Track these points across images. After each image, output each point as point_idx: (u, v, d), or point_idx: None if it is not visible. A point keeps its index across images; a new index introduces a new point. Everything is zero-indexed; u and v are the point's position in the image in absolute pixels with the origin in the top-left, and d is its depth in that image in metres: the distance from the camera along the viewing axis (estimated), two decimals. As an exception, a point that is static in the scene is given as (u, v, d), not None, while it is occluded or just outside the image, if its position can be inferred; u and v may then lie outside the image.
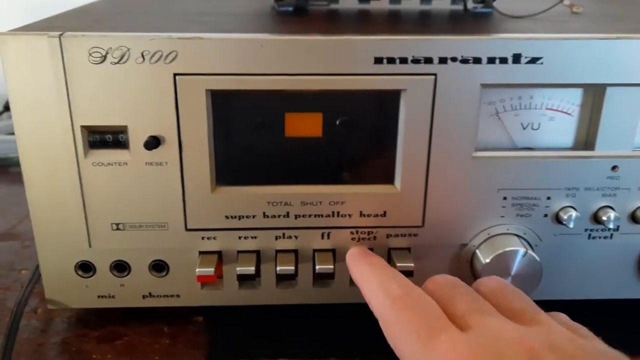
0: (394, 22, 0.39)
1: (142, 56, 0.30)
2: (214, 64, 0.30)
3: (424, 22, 0.39)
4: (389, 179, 0.34)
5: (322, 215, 0.34)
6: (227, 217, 0.34)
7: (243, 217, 0.34)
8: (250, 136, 0.33)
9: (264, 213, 0.34)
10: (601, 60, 0.31)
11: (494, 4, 0.42)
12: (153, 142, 0.31)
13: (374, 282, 0.29)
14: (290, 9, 0.43)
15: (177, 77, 0.30)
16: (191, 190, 0.33)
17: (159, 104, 0.31)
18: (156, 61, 0.30)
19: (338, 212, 0.34)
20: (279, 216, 0.34)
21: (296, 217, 0.34)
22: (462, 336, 0.24)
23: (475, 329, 0.24)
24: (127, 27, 0.32)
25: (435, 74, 0.31)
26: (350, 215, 0.34)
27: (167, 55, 0.30)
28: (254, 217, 0.34)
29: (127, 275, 0.35)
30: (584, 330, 0.26)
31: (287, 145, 0.33)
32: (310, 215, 0.34)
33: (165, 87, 0.30)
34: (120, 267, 0.35)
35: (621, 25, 0.38)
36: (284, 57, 0.30)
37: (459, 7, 0.44)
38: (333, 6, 0.44)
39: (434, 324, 0.25)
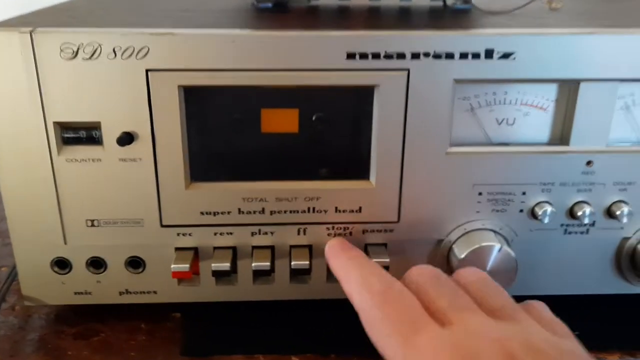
0: (372, 18, 0.39)
1: (114, 52, 0.30)
2: (186, 60, 0.30)
3: (402, 18, 0.39)
4: (364, 174, 0.34)
5: (297, 211, 0.34)
6: (202, 213, 0.34)
7: (218, 213, 0.34)
8: (225, 132, 0.33)
9: (239, 209, 0.34)
10: (574, 56, 0.31)
11: (473, 0, 0.42)
12: (126, 139, 0.31)
13: (354, 277, 0.29)
14: (270, 5, 0.43)
15: (149, 72, 0.30)
16: (166, 187, 0.33)
17: (132, 100, 0.31)
18: (128, 57, 0.30)
19: (314, 208, 0.34)
20: (254, 212, 0.34)
21: (272, 213, 0.34)
22: (442, 333, 0.24)
23: (456, 325, 0.25)
24: (100, 23, 0.32)
25: (408, 69, 0.31)
26: (325, 211, 0.34)
27: (139, 51, 0.30)
28: (229, 213, 0.34)
29: (103, 271, 0.35)
30: (560, 326, 0.26)
31: (263, 141, 0.33)
32: (285, 212, 0.34)
33: (138, 83, 0.30)
34: (96, 264, 0.35)
35: (598, 21, 0.38)
36: (256, 52, 0.30)
37: (439, 3, 0.44)
38: (314, 2, 0.44)
39: (415, 320, 0.25)
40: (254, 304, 0.37)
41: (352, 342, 0.35)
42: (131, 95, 0.31)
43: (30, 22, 0.32)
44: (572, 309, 0.30)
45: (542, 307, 0.28)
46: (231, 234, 0.34)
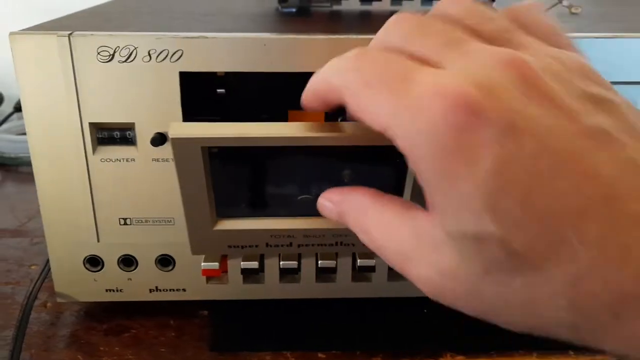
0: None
1: (149, 55, 0.31)
2: (218, 62, 0.31)
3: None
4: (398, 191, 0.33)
5: (325, 245, 0.32)
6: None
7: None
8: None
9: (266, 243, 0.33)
10: (599, 60, 0.32)
11: (493, 4, 0.43)
12: (159, 139, 0.32)
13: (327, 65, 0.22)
14: (294, 10, 0.43)
15: (182, 75, 0.31)
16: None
17: (165, 101, 0.31)
18: (162, 60, 0.31)
19: (341, 242, 0.32)
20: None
21: (299, 246, 0.32)
22: (441, 73, 0.19)
23: (458, 61, 0.19)
24: (134, 27, 0.33)
25: None
26: (354, 245, 0.32)
27: (173, 54, 0.31)
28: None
29: (134, 269, 0.36)
30: (562, 37, 0.22)
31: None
32: (313, 245, 0.32)
33: (171, 84, 0.31)
34: (128, 262, 0.36)
35: (619, 25, 0.39)
36: (287, 55, 0.31)
37: (460, 7, 0.45)
38: (336, 7, 0.45)
39: (403, 71, 0.19)
40: (280, 302, 0.37)
41: (377, 339, 0.36)
42: (164, 96, 0.31)
43: (67, 25, 0.33)
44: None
45: (531, 10, 0.22)
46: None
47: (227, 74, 0.31)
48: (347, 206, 0.25)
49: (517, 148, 0.17)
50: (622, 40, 0.32)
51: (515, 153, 0.17)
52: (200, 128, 0.26)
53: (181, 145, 0.26)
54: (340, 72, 0.21)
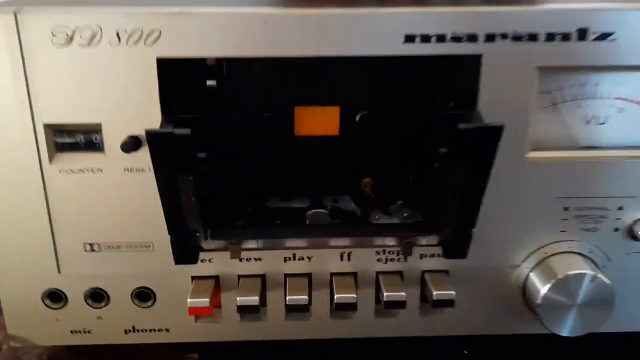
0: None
1: (118, 36, 0.25)
2: (206, 46, 0.25)
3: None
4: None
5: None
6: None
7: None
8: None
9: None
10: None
11: None
12: (133, 144, 0.27)
13: None
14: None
15: (160, 61, 0.25)
16: (181, 202, 0.27)
17: (140, 96, 0.26)
18: (135, 42, 0.25)
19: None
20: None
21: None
22: None
23: None
24: (100, 1, 0.27)
25: (480, 55, 0.26)
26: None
27: (148, 35, 0.25)
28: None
29: (105, 305, 0.31)
30: None
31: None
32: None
33: (147, 75, 0.26)
34: (97, 296, 0.31)
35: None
36: (293, 36, 0.25)
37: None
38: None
39: None
40: (286, 344, 0.32)
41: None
42: (138, 90, 0.26)
43: (14, 1, 0.27)
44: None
45: None
46: (260, 259, 0.29)
47: (219, 60, 0.27)
48: None
49: None
50: None
51: None
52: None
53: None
54: None
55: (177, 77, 0.26)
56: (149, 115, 0.26)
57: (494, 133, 0.24)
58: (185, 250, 0.27)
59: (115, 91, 0.26)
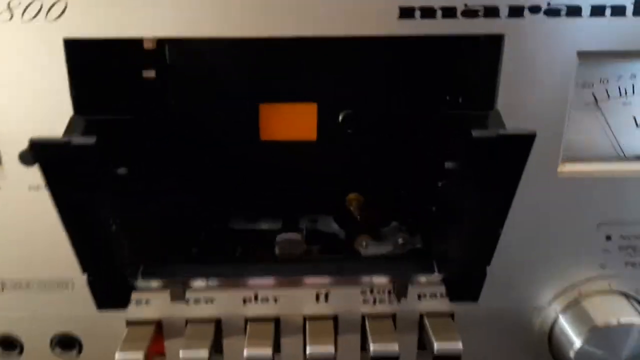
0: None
1: (9, 9, 0.19)
2: (138, 23, 0.19)
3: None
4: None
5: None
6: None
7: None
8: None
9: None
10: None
11: None
12: None
13: None
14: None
15: (69, 43, 0.20)
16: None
17: (42, 88, 0.21)
18: (32, 18, 0.19)
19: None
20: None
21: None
22: None
23: None
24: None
25: (502, 36, 0.20)
26: None
27: (50, 8, 0.19)
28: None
29: (18, 355, 0.26)
30: None
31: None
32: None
33: (51, 59, 0.20)
34: (8, 345, 0.26)
35: None
36: (254, 14, 0.20)
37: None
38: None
39: None
40: None
41: None
42: (41, 80, 0.20)
43: None
44: None
45: None
46: (212, 301, 0.23)
47: (160, 43, 0.21)
48: None
49: None
50: None
51: None
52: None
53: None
54: None
55: (96, 65, 0.20)
56: (61, 117, 0.20)
57: (522, 144, 0.18)
58: (108, 292, 0.21)
59: (9, 83, 0.20)
